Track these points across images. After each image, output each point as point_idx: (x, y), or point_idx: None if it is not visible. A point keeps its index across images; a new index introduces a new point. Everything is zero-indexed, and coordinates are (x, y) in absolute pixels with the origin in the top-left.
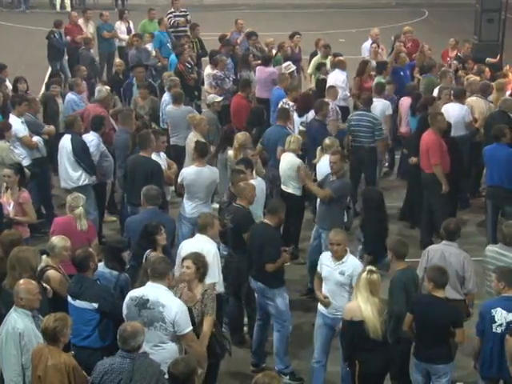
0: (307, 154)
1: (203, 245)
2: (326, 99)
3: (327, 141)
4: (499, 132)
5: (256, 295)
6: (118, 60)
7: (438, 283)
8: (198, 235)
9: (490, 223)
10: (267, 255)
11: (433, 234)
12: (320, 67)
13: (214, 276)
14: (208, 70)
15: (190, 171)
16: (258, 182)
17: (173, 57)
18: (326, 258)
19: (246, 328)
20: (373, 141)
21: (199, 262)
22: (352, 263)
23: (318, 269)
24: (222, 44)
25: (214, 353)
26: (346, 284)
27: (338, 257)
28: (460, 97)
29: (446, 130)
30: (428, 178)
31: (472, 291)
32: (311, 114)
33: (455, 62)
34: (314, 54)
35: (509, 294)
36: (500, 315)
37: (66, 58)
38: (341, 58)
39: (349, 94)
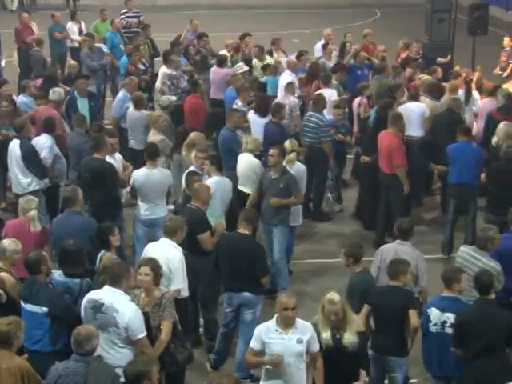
0: (263, 155)
1: (169, 250)
2: (286, 94)
3: (287, 144)
4: (465, 130)
5: (229, 307)
6: (72, 62)
7: (389, 273)
8: (163, 239)
9: (449, 222)
10: (262, 270)
11: (386, 233)
12: (265, 68)
13: (179, 282)
14: (163, 70)
15: (140, 173)
16: (223, 182)
17: (124, 58)
18: (267, 331)
19: (201, 329)
20: (319, 141)
21: (156, 267)
22: (304, 325)
23: (254, 345)
24: (173, 44)
25: (175, 361)
26: (304, 352)
27: (291, 324)
28: (415, 97)
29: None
30: (388, 178)
31: (425, 289)
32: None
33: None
34: (269, 54)
35: (445, 293)
36: (434, 314)
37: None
38: (293, 59)
39: (297, 95)
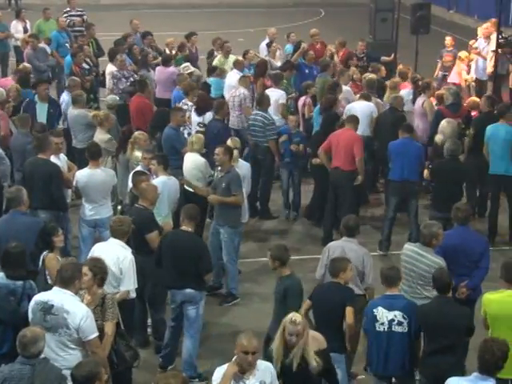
0: (207, 153)
1: (118, 251)
2: (238, 87)
3: (229, 142)
4: (408, 128)
5: (173, 303)
6: (26, 65)
7: (330, 271)
8: (111, 239)
9: (388, 220)
10: (205, 267)
11: (334, 231)
12: (213, 70)
13: (129, 283)
14: (109, 68)
15: (83, 174)
16: (170, 181)
17: (68, 58)
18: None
19: (149, 329)
20: (265, 140)
21: (96, 268)
22: (265, 366)
23: None
24: (117, 43)
25: (124, 359)
26: None
27: (252, 367)
28: (367, 98)
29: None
30: (344, 176)
31: (371, 286)
32: (209, 115)
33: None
34: (210, 54)
35: (390, 292)
36: (381, 314)
37: None
38: (239, 58)
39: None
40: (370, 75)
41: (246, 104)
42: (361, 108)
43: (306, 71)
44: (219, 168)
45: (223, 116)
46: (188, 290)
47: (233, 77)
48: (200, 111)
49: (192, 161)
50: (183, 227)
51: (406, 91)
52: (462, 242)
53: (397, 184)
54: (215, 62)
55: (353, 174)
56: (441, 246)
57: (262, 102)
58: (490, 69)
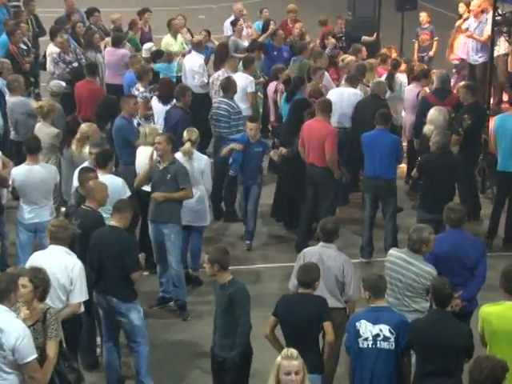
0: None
1: (64, 258)
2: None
3: (185, 133)
4: (383, 117)
5: (102, 313)
6: None
7: (301, 281)
8: (52, 246)
9: (366, 221)
10: (131, 265)
11: (309, 235)
12: (158, 55)
13: (81, 295)
14: (50, 49)
15: (20, 171)
16: (109, 180)
17: (3, 37)
18: None
19: (99, 349)
20: (231, 132)
21: (38, 279)
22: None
23: None
24: (58, 21)
25: (67, 382)
26: None
27: None
28: (353, 81)
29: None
30: (320, 173)
31: (352, 298)
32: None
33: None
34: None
35: (375, 304)
36: (364, 328)
37: None
38: (198, 37)
39: (206, 81)
40: (348, 57)
41: None
42: (349, 96)
43: (275, 53)
44: (159, 159)
45: (185, 104)
46: (109, 298)
47: (194, 60)
48: (164, 99)
49: (146, 156)
50: (112, 222)
51: (403, 76)
52: (456, 247)
53: (369, 181)
54: (162, 45)
55: (330, 170)
56: (432, 252)
57: (228, 88)
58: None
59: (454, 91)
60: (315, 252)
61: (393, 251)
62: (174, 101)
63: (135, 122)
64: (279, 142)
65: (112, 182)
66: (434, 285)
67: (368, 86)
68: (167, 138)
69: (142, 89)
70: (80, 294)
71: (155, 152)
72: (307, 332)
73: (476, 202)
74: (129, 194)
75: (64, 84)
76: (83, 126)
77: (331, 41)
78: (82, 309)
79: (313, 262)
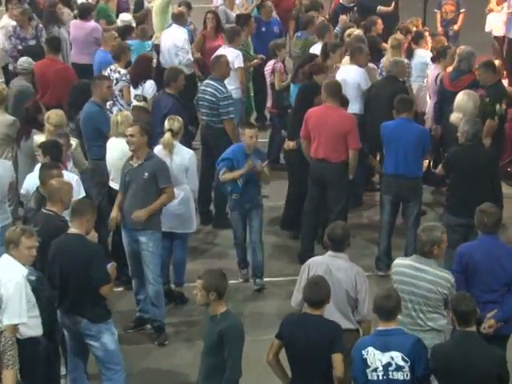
0: (151, 138)
1: (4, 270)
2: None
3: (166, 122)
4: (405, 103)
5: (68, 337)
6: None
7: (311, 300)
8: (5, 256)
9: (385, 227)
10: (98, 278)
11: (315, 243)
12: (128, 31)
13: (13, 315)
14: (5, 21)
15: None
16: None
17: None
18: None
19: (63, 381)
20: (219, 120)
21: None
22: None
23: None
24: None
25: None
26: None
27: None
28: (356, 55)
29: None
30: (333, 170)
31: (367, 317)
32: (149, 86)
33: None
34: (139, 4)
35: (382, 327)
36: (373, 357)
37: None
38: (180, 9)
39: (192, 58)
40: (355, 31)
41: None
42: (349, 74)
43: (263, 29)
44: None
45: (177, 90)
46: (77, 319)
47: (176, 34)
48: (137, 79)
49: (119, 149)
50: (71, 230)
51: (423, 51)
52: (489, 257)
53: (390, 180)
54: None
55: (345, 166)
56: (459, 261)
57: (217, 68)
58: None
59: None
60: (322, 263)
61: (398, 260)
62: (150, 85)
63: (115, 108)
64: (287, 135)
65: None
66: (453, 301)
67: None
68: (141, 129)
69: (122, 70)
70: (12, 314)
71: (128, 145)
72: (315, 360)
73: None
74: (83, 194)
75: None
76: (53, 116)
77: (343, 18)
78: (33, 332)
79: (320, 275)
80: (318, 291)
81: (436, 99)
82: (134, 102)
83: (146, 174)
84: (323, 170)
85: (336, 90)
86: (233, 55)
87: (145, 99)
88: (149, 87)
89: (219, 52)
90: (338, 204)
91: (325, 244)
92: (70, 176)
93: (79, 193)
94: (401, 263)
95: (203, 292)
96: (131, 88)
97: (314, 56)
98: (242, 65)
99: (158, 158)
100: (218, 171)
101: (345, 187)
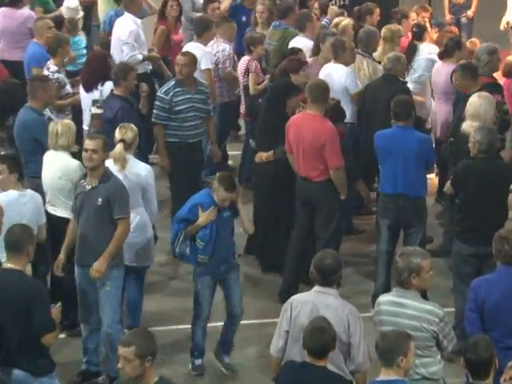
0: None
1: None
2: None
3: (117, 131)
4: (404, 108)
5: None
6: None
7: (314, 350)
8: None
9: (381, 257)
10: (40, 324)
11: (299, 277)
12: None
13: None
14: None
15: None
16: (24, 199)
17: None
18: None
19: None
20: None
21: None
22: None
23: None
24: None
25: None
26: None
27: None
28: (338, 52)
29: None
30: (316, 190)
31: (362, 367)
32: (110, 87)
33: None
34: None
35: (385, 375)
36: None
37: None
38: None
39: (141, 56)
40: (344, 20)
41: (225, 67)
42: (333, 76)
43: (243, 19)
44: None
45: (127, 90)
46: (17, 373)
47: (123, 25)
48: (92, 81)
49: (58, 165)
50: (8, 265)
51: (429, 47)
52: (511, 293)
53: (388, 201)
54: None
55: (331, 185)
56: (474, 298)
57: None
58: None
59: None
60: (307, 301)
61: (381, 297)
62: (110, 87)
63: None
64: (255, 145)
65: (17, 203)
66: (467, 347)
67: (379, 62)
68: (104, 144)
69: (53, 67)
70: None
71: (86, 163)
72: None
73: None
74: (43, 220)
75: None
76: None
77: (332, 9)
78: None
79: (322, 316)
80: (323, 338)
81: (452, 104)
82: (93, 110)
83: (100, 199)
84: (306, 190)
85: (319, 94)
86: (200, 54)
87: None
88: (108, 90)
89: (186, 49)
90: (327, 229)
91: (312, 276)
92: (30, 197)
93: (40, 217)
94: (381, 300)
95: (136, 361)
96: (85, 92)
97: (297, 51)
98: (211, 66)
99: (116, 179)
100: (175, 236)
101: (333, 210)
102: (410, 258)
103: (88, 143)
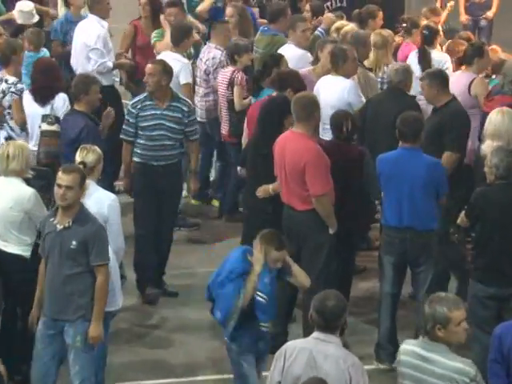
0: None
1: None
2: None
3: (78, 155)
4: (412, 127)
5: None
6: None
7: None
8: None
9: (386, 302)
10: None
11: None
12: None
13: None
14: None
15: None
16: None
17: None
18: None
19: None
20: (180, 145)
21: None
22: None
23: None
24: None
25: None
26: None
27: None
28: (338, 62)
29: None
30: (301, 221)
31: None
32: (60, 101)
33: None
34: None
35: None
36: None
37: None
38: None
39: (111, 64)
40: (347, 25)
41: (216, 77)
42: (333, 89)
43: None
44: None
45: (90, 106)
46: None
47: (89, 29)
48: (43, 94)
49: (10, 194)
50: None
51: (440, 55)
52: None
53: (392, 235)
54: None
55: (317, 215)
56: (498, 347)
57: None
58: None
59: None
60: (304, 348)
61: (404, 345)
62: (61, 101)
63: (2, 133)
64: (246, 173)
65: None
66: None
67: (371, 70)
68: (81, 179)
69: (11, 78)
70: None
71: (58, 200)
72: None
73: None
74: None
75: None
76: None
77: (329, 17)
78: None
79: (318, 379)
80: None
81: (478, 120)
82: (44, 126)
83: (75, 242)
84: (290, 220)
85: (304, 112)
86: (177, 66)
87: (57, 121)
88: (61, 104)
89: (161, 57)
90: (314, 267)
91: (312, 321)
92: None
93: None
94: (406, 349)
95: None
96: (32, 104)
97: (278, 58)
98: (190, 80)
99: (94, 219)
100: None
101: (319, 245)
102: (436, 307)
103: (62, 178)
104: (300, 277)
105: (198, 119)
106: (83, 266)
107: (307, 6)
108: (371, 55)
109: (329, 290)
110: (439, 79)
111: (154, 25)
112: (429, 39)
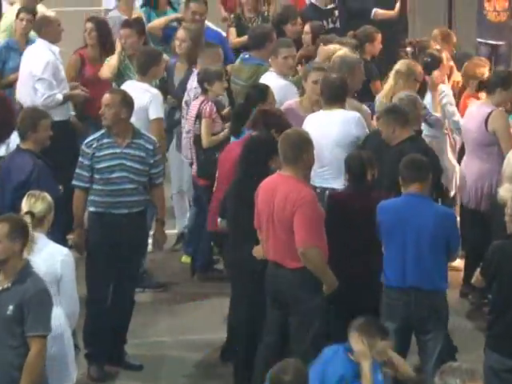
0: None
1: None
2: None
3: (23, 201)
4: (418, 170)
5: None
6: None
7: None
8: None
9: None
10: None
11: None
12: None
13: None
14: None
15: None
16: None
17: None
18: None
19: None
20: (144, 190)
21: None
22: None
23: None
24: None
25: None
26: None
27: None
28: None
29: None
30: (290, 280)
31: None
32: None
33: None
34: None
35: None
36: None
37: None
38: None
39: (61, 97)
40: (341, 50)
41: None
42: (336, 122)
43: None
44: None
45: (39, 144)
46: None
47: (37, 55)
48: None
49: None
50: None
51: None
52: None
53: (395, 296)
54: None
55: (310, 274)
56: None
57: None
58: None
59: None
60: None
61: None
62: (13, 140)
63: None
64: (227, 225)
65: None
66: None
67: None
68: (10, 230)
69: None
70: None
71: None
72: None
73: None
74: None
75: None
76: None
77: (324, 50)
78: None
79: None
80: None
81: (495, 160)
82: None
83: (11, 306)
84: (277, 280)
85: (292, 153)
86: (145, 97)
87: None
88: (17, 142)
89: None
90: (303, 339)
91: None
92: None
93: None
94: None
95: None
96: None
97: (265, 91)
98: (161, 114)
99: (37, 279)
100: None
101: (312, 310)
102: (448, 379)
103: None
104: (406, 370)
105: (185, 160)
106: (19, 339)
107: (306, 27)
108: (387, 86)
109: (289, 360)
110: (398, 116)
111: (103, 53)
112: (429, 68)
